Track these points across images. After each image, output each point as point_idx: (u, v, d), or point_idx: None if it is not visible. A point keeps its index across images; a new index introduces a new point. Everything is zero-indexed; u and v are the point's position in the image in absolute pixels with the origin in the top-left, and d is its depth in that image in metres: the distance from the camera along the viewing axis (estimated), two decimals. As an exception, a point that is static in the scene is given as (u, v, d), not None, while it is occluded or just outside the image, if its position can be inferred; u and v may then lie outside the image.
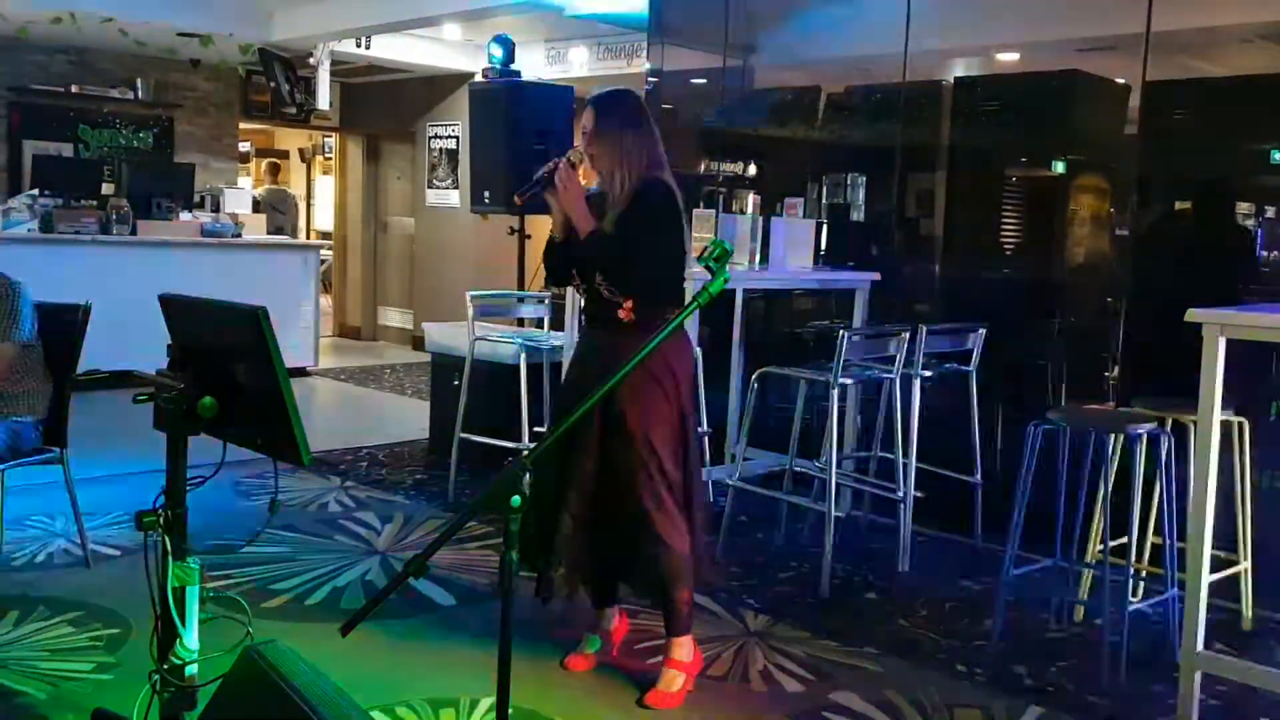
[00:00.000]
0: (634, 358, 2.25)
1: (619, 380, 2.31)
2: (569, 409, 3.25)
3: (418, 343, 10.38)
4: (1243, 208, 4.71)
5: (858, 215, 5.83)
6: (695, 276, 3.64)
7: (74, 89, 9.53)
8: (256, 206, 9.84)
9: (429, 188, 10.93)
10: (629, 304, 3.15)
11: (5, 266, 3.91)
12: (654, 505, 3.14)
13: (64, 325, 4.01)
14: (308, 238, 13.10)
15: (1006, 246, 5.48)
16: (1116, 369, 4.80)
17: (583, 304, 3.36)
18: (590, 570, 3.29)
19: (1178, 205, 4.91)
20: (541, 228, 7.45)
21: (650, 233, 3.17)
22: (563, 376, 5.02)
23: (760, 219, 5.07)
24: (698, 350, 3.42)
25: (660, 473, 3.15)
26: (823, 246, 5.56)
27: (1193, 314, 3.01)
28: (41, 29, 8.51)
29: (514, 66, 6.85)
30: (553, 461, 3.21)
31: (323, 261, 10.91)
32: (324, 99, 9.32)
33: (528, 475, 2.03)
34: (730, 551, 4.57)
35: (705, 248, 2.43)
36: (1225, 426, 3.53)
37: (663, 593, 3.23)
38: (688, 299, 3.33)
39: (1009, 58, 5.60)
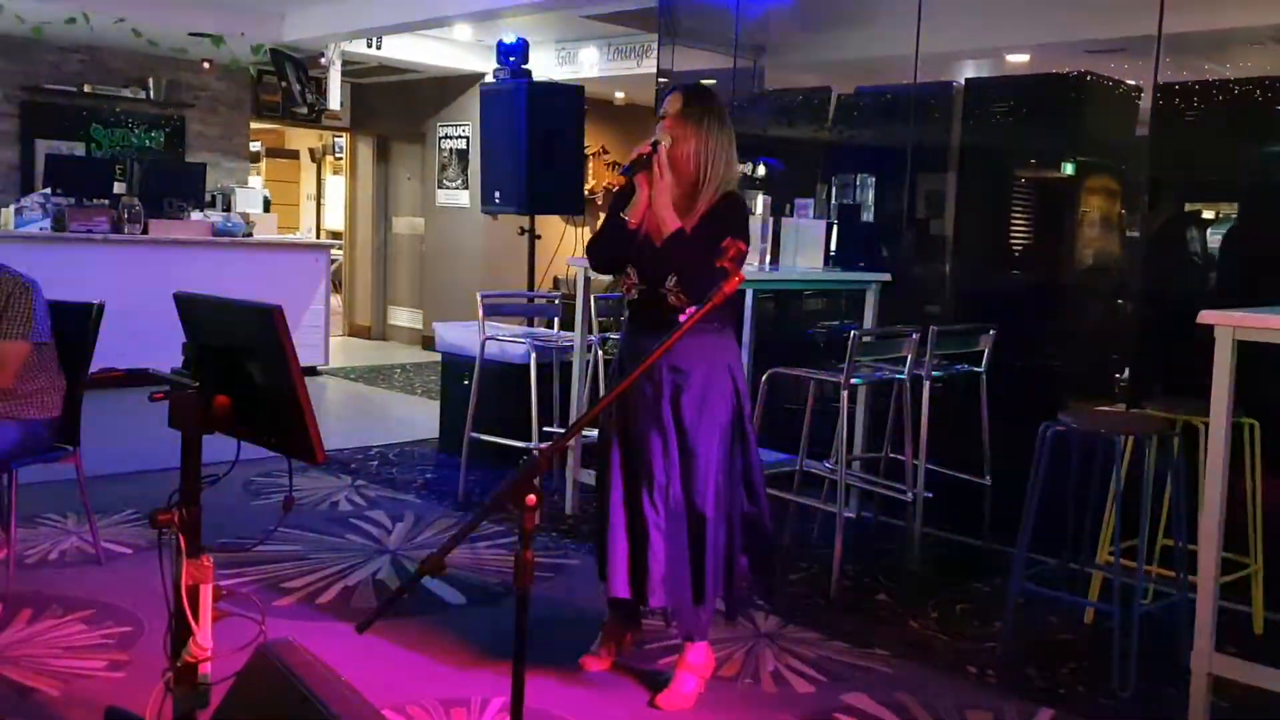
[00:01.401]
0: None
1: (635, 377, 2.32)
2: (625, 420, 3.22)
3: (427, 342, 10.40)
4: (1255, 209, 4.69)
5: (868, 216, 5.82)
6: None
7: (86, 88, 9.57)
8: (267, 206, 9.86)
9: (439, 188, 10.95)
10: (692, 309, 3.09)
11: (18, 265, 3.93)
12: (710, 513, 3.12)
13: (77, 324, 4.04)
14: (318, 237, 13.14)
15: (1017, 247, 5.48)
16: (1127, 370, 4.79)
17: (631, 303, 3.25)
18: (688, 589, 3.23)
19: (1188, 207, 4.90)
20: (551, 228, 7.47)
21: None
22: (575, 377, 5.06)
23: (770, 219, 5.07)
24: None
25: (714, 481, 3.13)
26: (833, 247, 5.55)
27: (1204, 316, 3.02)
28: (55, 29, 8.55)
29: (524, 66, 6.86)
30: (627, 475, 3.20)
31: (333, 261, 10.93)
32: (335, 99, 9.34)
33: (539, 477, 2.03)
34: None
35: (721, 247, 2.44)
36: (1236, 428, 3.52)
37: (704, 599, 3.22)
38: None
39: (1020, 59, 5.59)
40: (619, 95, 10.48)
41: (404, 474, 5.86)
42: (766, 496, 3.33)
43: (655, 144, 3.09)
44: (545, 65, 9.42)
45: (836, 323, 5.87)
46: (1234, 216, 4.74)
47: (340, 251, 12.47)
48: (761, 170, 6.04)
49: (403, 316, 11.86)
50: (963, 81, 5.54)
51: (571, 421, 5.21)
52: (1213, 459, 3.06)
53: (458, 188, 10.73)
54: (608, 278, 4.65)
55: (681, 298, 3.09)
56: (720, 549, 3.17)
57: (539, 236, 6.88)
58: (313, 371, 8.89)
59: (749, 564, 3.32)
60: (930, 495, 4.59)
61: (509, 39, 6.65)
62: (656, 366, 3.11)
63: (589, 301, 5.04)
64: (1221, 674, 3.14)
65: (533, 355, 5.14)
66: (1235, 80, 4.62)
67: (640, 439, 3.16)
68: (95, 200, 8.22)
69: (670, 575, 3.15)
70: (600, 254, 3.30)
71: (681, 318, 3.07)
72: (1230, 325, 2.98)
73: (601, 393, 4.86)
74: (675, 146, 3.12)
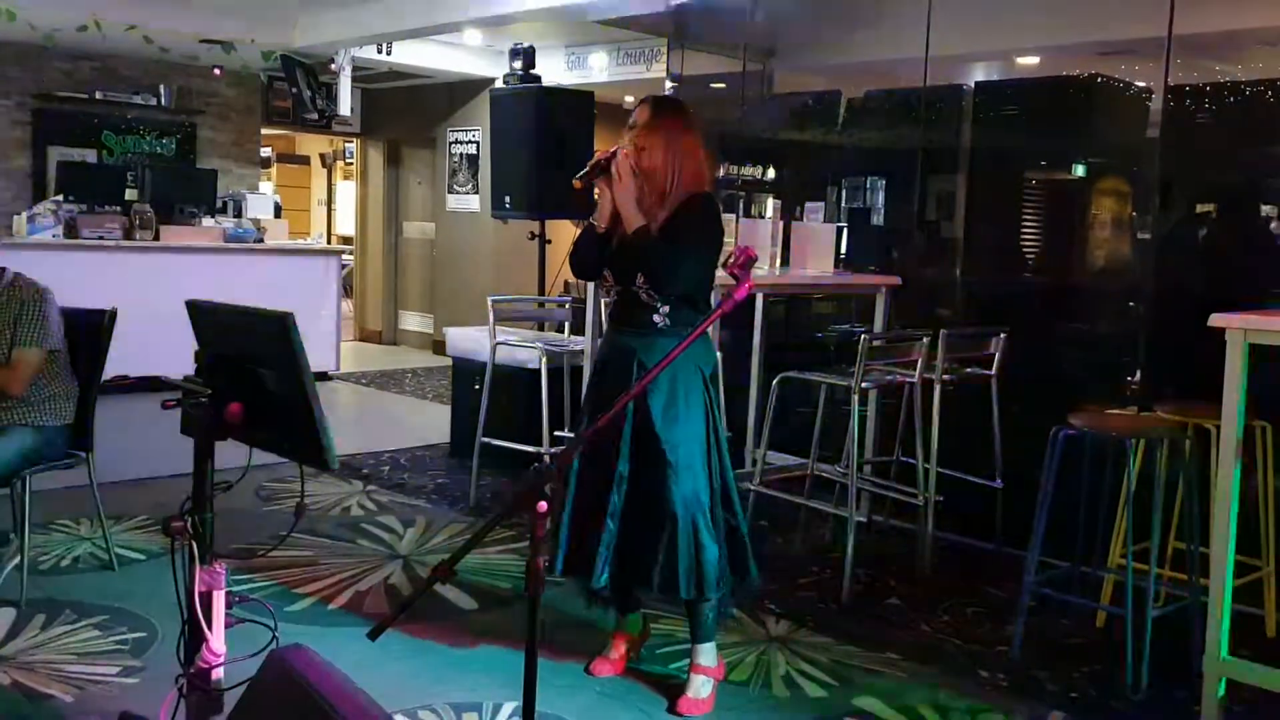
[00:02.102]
0: (664, 360, 2.30)
1: (648, 381, 2.32)
2: (597, 414, 3.24)
3: (438, 347, 10.42)
4: (1265, 210, 4.68)
5: (878, 219, 5.83)
6: (717, 281, 3.63)
7: (98, 95, 9.60)
8: (278, 212, 9.89)
9: (449, 193, 10.96)
10: (665, 309, 3.15)
11: (30, 272, 3.95)
12: (688, 512, 3.14)
13: (90, 330, 4.05)
14: (329, 243, 13.17)
15: (1027, 250, 5.47)
16: (1139, 373, 4.78)
17: (609, 305, 3.32)
18: (630, 575, 3.25)
19: (1199, 208, 4.89)
20: (561, 232, 7.49)
21: (701, 242, 3.17)
22: (585, 380, 5.06)
23: (780, 223, 5.08)
24: (718, 354, 3.43)
25: (694, 481, 3.15)
26: (843, 250, 5.55)
27: (1216, 319, 3.01)
28: (67, 36, 8.59)
29: (534, 71, 6.87)
30: (584, 470, 3.23)
31: (344, 266, 10.96)
32: (345, 105, 9.35)
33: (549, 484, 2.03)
34: (751, 556, 4.57)
35: (730, 254, 2.44)
36: (1248, 431, 3.51)
37: (691, 599, 3.23)
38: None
39: (1029, 61, 5.59)
40: (629, 99, 10.47)
41: (415, 479, 5.87)
42: (740, 502, 3.34)
43: (614, 151, 3.16)
44: (555, 70, 9.43)
45: (847, 326, 5.87)
46: (1247, 218, 4.73)
47: (351, 257, 12.50)
48: (771, 174, 6.04)
49: (413, 321, 11.88)
50: (973, 84, 5.54)
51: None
52: (1224, 462, 3.06)
53: (468, 192, 10.75)
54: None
55: (652, 295, 3.14)
56: (690, 547, 3.14)
57: (549, 241, 6.88)
58: (324, 377, 8.90)
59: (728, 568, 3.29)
60: (941, 499, 4.59)
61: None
62: (628, 365, 3.16)
63: (599, 305, 5.03)
64: (1234, 677, 3.13)
65: (543, 360, 5.14)
66: (1246, 82, 4.61)
67: (605, 433, 3.17)
68: (107, 207, 8.24)
69: (621, 561, 3.17)
70: (576, 259, 3.37)
71: (655, 317, 3.13)
72: (1242, 328, 2.98)
73: (583, 392, 4.86)
74: (645, 155, 3.18)
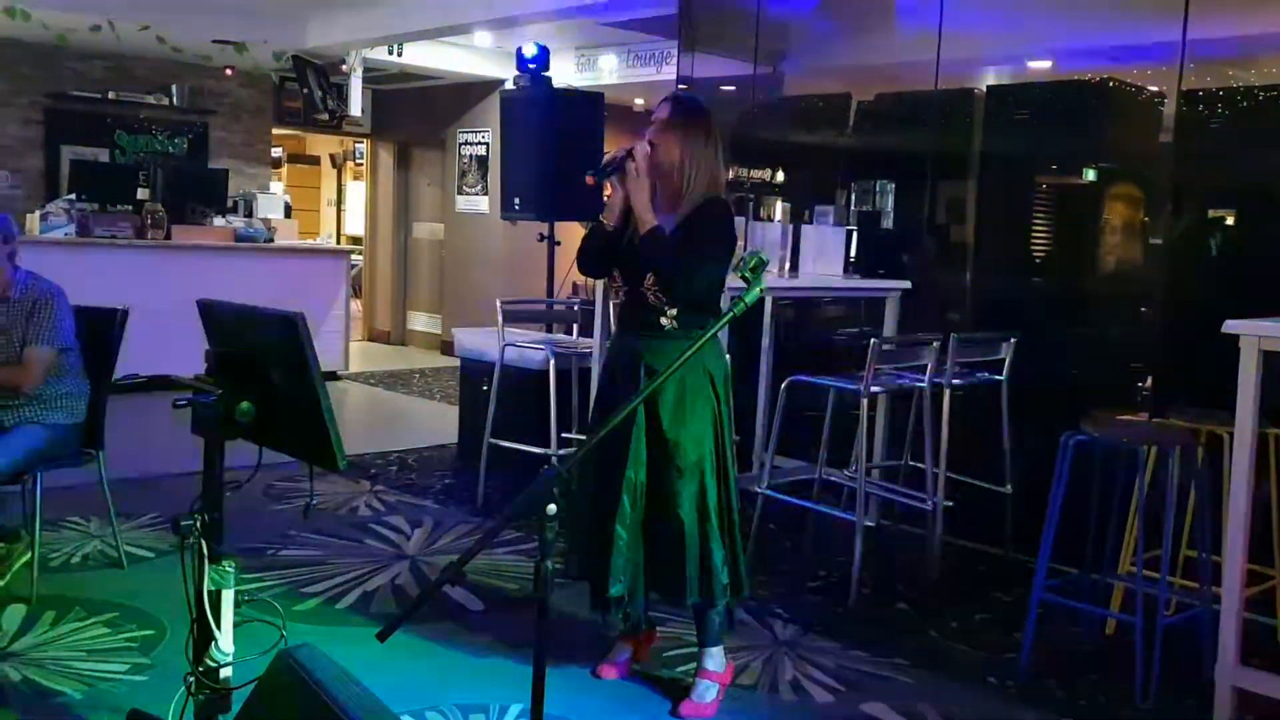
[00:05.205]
0: (672, 366, 2.29)
1: (656, 387, 2.31)
2: (606, 417, 3.23)
3: (447, 347, 10.42)
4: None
5: (888, 223, 5.81)
6: (729, 286, 3.62)
7: (111, 95, 9.64)
8: (288, 212, 9.91)
9: (459, 194, 10.98)
10: (673, 311, 3.13)
11: (42, 270, 3.96)
12: (695, 516, 3.13)
13: (102, 329, 4.07)
14: (339, 243, 13.20)
15: (1038, 255, 5.45)
16: (1150, 379, 4.76)
17: (617, 306, 3.32)
18: (644, 584, 3.23)
19: (1212, 214, 4.87)
20: (570, 234, 7.50)
21: (712, 246, 3.15)
22: (594, 382, 5.05)
23: (790, 226, 5.07)
24: (727, 358, 3.42)
25: (701, 485, 3.14)
26: (853, 254, 5.54)
27: (1229, 325, 3.00)
28: (80, 36, 8.61)
29: (544, 73, 6.86)
30: (597, 472, 3.22)
31: (353, 266, 10.98)
32: (356, 106, 9.38)
33: (559, 487, 2.02)
34: (759, 560, 4.56)
35: (742, 258, 2.43)
36: (1261, 438, 3.49)
37: (698, 603, 3.23)
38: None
39: (1042, 65, 5.57)
40: (639, 102, 10.48)
41: (423, 479, 5.87)
42: (739, 516, 3.31)
43: (631, 148, 3.15)
44: (565, 72, 9.43)
45: (856, 330, 5.86)
46: (1260, 224, 4.71)
47: (360, 257, 12.52)
48: (781, 177, 6.03)
49: (422, 322, 11.90)
50: (984, 88, 5.53)
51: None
52: (1237, 470, 3.05)
53: (477, 194, 10.76)
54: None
55: (660, 297, 3.12)
56: (698, 550, 3.14)
57: (558, 243, 6.88)
58: (332, 376, 8.92)
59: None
60: (950, 504, 4.57)
61: (529, 50, 6.63)
62: (635, 368, 3.16)
63: (608, 307, 5.03)
64: (1245, 687, 3.12)
65: (551, 361, 5.14)
66: (1260, 86, 4.59)
67: (616, 438, 3.16)
68: (119, 206, 8.28)
69: (635, 568, 3.16)
70: (583, 256, 3.35)
71: (663, 320, 3.12)
72: (1256, 335, 2.96)
73: (593, 394, 4.86)
74: (660, 153, 3.17)
